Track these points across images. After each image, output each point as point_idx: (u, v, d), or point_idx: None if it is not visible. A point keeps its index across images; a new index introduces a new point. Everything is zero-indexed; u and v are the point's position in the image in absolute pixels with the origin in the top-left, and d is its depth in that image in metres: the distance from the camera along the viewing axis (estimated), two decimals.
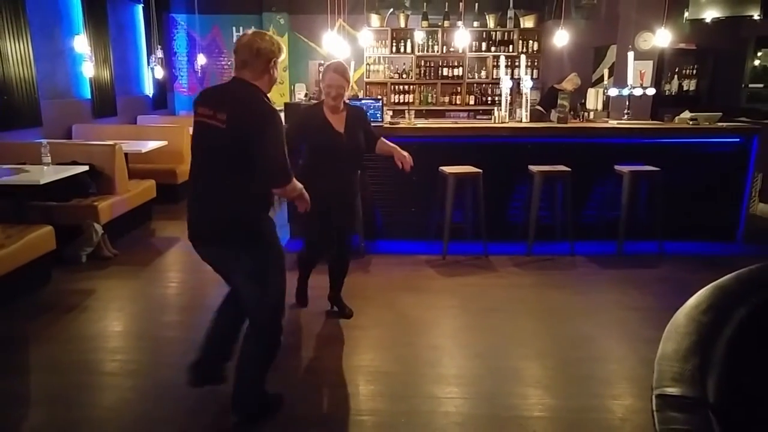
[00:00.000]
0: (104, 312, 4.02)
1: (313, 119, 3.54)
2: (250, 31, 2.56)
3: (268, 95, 2.54)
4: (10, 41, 5.79)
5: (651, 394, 0.89)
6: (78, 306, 4.05)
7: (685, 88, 8.46)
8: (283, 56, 2.60)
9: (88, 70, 7.14)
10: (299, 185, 2.65)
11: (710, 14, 7.53)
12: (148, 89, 9.71)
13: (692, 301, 0.97)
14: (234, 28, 10.41)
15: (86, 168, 5.00)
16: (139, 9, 9.31)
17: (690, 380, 0.86)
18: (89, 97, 7.62)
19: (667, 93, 8.36)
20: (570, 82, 6.84)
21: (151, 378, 3.13)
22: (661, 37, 6.66)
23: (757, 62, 8.32)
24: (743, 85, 8.35)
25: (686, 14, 7.71)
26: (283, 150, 2.45)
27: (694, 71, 8.44)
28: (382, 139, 3.78)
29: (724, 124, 5.64)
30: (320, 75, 3.54)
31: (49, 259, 4.39)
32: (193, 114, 2.55)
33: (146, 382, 3.09)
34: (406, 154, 3.64)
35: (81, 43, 6.88)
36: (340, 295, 3.92)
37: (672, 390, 0.87)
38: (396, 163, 3.64)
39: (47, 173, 4.54)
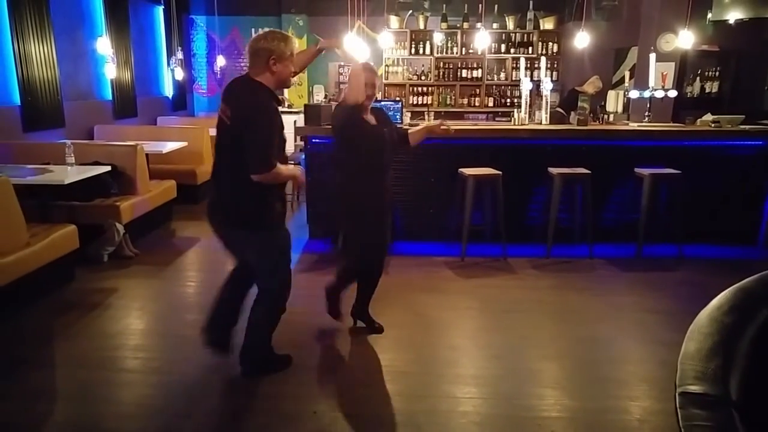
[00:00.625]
0: (126, 310, 4.08)
1: (356, 123, 3.37)
2: (262, 31, 2.76)
3: (276, 91, 2.76)
4: (34, 43, 5.90)
5: (674, 392, 0.90)
6: (101, 304, 4.11)
7: (707, 90, 8.35)
8: (290, 52, 2.75)
9: (110, 71, 7.24)
10: (284, 169, 2.76)
11: (734, 15, 7.41)
12: (168, 90, 9.83)
13: (715, 302, 0.98)
14: (253, 30, 10.36)
15: (108, 168, 5.08)
16: (160, 11, 9.43)
17: (712, 379, 0.86)
18: (110, 98, 7.74)
19: (689, 95, 8.26)
20: (591, 85, 6.78)
21: (172, 375, 3.16)
22: (684, 39, 6.58)
23: None
24: (767, 87, 8.22)
25: (709, 15, 7.60)
26: (265, 141, 2.65)
27: (717, 73, 8.33)
28: (410, 130, 3.78)
29: (747, 126, 5.57)
30: (348, 78, 3.46)
31: (73, 257, 4.46)
32: None
33: (168, 379, 3.12)
34: (439, 121, 3.68)
35: (103, 45, 6.98)
36: (368, 309, 3.70)
37: (695, 388, 0.87)
38: (440, 132, 3.66)
39: (71, 173, 4.61)
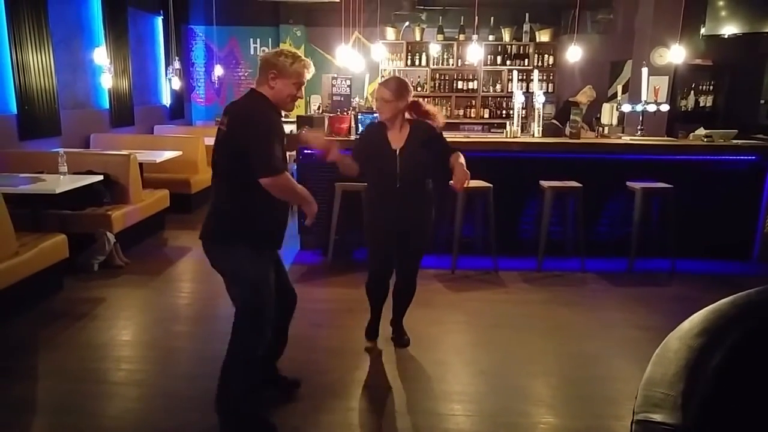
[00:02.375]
0: (114, 321, 4.07)
1: (374, 136, 3.41)
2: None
3: (281, 104, 2.65)
4: (32, 52, 5.93)
5: (632, 419, 0.88)
6: (88, 314, 4.10)
7: (701, 104, 8.35)
8: (296, 73, 2.60)
9: (107, 81, 7.27)
10: (295, 185, 2.65)
11: (728, 30, 7.45)
12: (166, 99, 9.86)
13: (686, 324, 0.96)
14: (251, 40, 10.56)
15: (101, 177, 5.09)
16: (159, 21, 9.48)
17: (673, 406, 0.84)
18: (107, 107, 7.76)
19: (683, 109, 8.26)
20: (584, 95, 6.78)
21: (156, 388, 3.16)
22: (677, 53, 6.61)
23: None
24: (761, 102, 8.23)
25: (703, 30, 7.64)
26: (266, 146, 2.49)
27: (711, 87, 8.34)
28: (458, 153, 3.45)
29: (740, 141, 5.54)
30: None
31: (62, 267, 4.46)
32: None
33: (152, 392, 3.12)
34: (463, 175, 3.31)
35: (101, 55, 7.02)
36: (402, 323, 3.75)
37: (654, 416, 0.85)
38: (453, 184, 3.37)
39: (63, 183, 4.62)
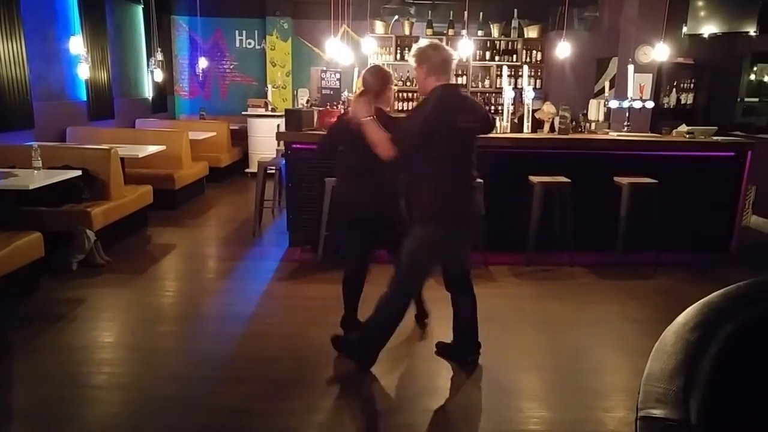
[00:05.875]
0: (94, 322, 3.92)
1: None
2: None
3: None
4: (2, 41, 5.69)
5: (635, 416, 0.87)
6: (66, 315, 3.93)
7: (683, 102, 8.48)
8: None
9: (83, 71, 7.04)
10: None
11: (708, 30, 7.56)
12: (148, 92, 9.64)
13: (680, 318, 0.96)
14: (237, 32, 10.38)
15: (79, 173, 4.89)
16: (139, 10, 9.24)
17: (674, 402, 0.84)
18: (85, 99, 7.54)
19: (665, 106, 8.38)
20: (542, 113, 6.63)
21: (140, 392, 3.04)
22: (660, 51, 6.65)
23: (752, 77, 8.43)
24: (738, 99, 8.39)
25: (684, 29, 7.73)
26: None
27: (692, 85, 8.47)
28: None
29: (719, 138, 5.69)
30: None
31: (38, 266, 4.27)
32: None
33: (136, 396, 3.00)
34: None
35: (76, 45, 6.79)
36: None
37: (656, 412, 0.85)
38: None
39: (37, 177, 4.43)
